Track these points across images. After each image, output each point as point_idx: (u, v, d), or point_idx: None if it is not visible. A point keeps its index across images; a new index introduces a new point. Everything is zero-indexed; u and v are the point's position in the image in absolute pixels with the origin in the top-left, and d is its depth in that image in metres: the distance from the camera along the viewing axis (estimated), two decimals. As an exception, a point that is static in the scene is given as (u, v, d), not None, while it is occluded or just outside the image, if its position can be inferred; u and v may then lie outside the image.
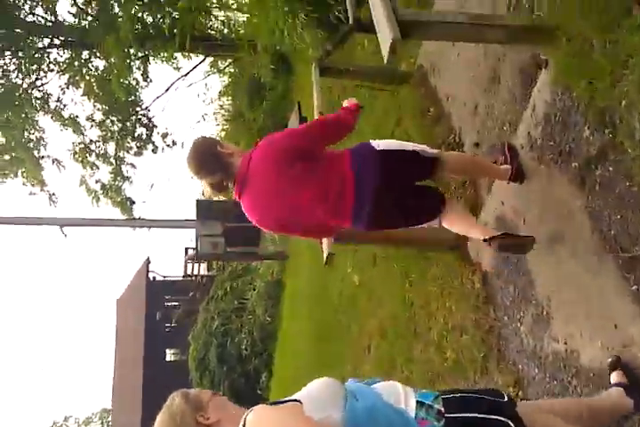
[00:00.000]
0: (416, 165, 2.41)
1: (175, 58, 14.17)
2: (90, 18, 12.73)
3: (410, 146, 2.44)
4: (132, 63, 13.21)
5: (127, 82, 13.24)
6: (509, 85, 3.04)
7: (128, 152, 14.52)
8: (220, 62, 15.79)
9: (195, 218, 10.92)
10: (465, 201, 3.49)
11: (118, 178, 14.57)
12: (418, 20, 2.15)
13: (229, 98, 16.49)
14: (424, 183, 2.56)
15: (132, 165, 14.68)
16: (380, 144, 2.38)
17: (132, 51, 12.72)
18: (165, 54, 13.40)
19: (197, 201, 11.20)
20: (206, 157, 2.27)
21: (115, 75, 12.44)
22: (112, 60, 12.45)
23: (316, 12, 6.09)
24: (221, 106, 17.24)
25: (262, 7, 6.80)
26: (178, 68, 14.86)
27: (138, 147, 14.51)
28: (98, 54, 13.08)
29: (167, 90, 14.42)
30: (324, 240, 3.31)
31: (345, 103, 2.54)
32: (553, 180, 2.56)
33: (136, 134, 14.44)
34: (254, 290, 12.99)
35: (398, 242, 3.62)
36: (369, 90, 5.14)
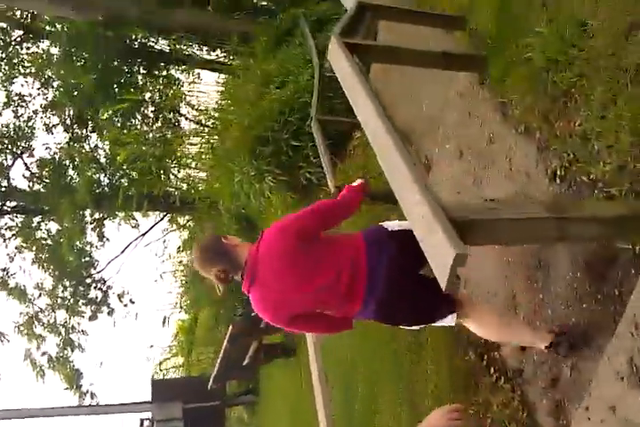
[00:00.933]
0: None
1: (133, 218, 13.67)
2: (44, 182, 12.29)
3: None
4: (87, 226, 12.64)
5: (80, 245, 12.56)
6: (568, 279, 2.28)
7: (82, 317, 13.52)
8: (179, 218, 15.32)
9: (150, 399, 9.42)
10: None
11: (67, 347, 13.38)
12: (478, 219, 1.40)
13: (189, 254, 15.73)
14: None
15: (84, 332, 13.59)
16: (393, 226, 2.30)
17: (87, 213, 12.24)
18: (122, 215, 12.92)
19: (153, 380, 9.75)
20: (210, 249, 2.27)
21: (66, 238, 11.74)
22: (65, 224, 11.83)
23: (284, 175, 5.56)
24: (180, 262, 16.38)
25: (225, 170, 6.27)
26: (136, 226, 14.30)
27: (92, 311, 13.54)
28: (51, 218, 12.51)
29: (123, 251, 13.64)
30: None
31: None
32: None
33: (89, 297, 13.53)
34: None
35: None
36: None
